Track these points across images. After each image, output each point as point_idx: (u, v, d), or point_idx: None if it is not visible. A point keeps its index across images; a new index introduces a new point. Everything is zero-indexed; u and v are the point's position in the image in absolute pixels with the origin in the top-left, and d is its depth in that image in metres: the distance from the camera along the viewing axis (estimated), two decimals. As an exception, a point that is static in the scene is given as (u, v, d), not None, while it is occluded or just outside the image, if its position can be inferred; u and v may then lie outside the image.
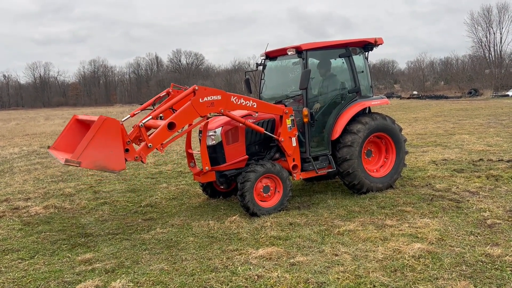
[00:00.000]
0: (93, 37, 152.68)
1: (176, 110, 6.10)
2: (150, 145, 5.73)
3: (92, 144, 5.25)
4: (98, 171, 5.51)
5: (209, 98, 6.15)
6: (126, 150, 5.59)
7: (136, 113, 7.17)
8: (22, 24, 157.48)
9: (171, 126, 5.86)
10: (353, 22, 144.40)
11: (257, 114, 7.06)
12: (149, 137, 5.78)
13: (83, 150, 5.20)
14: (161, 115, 6.52)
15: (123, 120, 5.97)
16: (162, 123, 5.89)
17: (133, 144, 5.83)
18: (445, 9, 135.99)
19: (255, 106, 6.62)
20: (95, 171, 10.93)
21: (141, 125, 5.84)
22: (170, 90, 7.53)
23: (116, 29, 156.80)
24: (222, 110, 6.26)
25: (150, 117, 6.06)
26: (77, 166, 5.22)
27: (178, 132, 6.12)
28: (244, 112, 6.94)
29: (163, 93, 7.63)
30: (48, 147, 6.17)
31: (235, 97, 6.43)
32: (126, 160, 5.56)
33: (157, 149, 5.84)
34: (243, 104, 6.49)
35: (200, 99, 6.09)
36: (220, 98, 6.25)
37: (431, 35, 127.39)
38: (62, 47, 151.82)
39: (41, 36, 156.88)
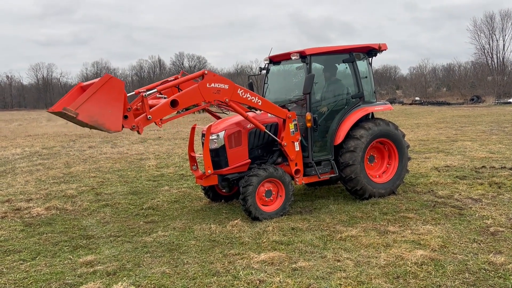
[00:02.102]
0: (95, 39, 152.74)
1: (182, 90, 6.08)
2: (149, 117, 5.68)
3: (93, 99, 5.16)
4: (93, 127, 5.33)
5: (216, 85, 6.15)
6: (125, 117, 5.50)
7: (141, 91, 7.14)
8: (25, 26, 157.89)
9: (174, 103, 5.86)
10: (355, 28, 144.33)
11: (259, 112, 7.04)
12: (150, 110, 5.74)
13: (83, 103, 5.10)
14: (164, 96, 6.50)
15: (128, 94, 5.84)
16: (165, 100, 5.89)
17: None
18: (446, 16, 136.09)
19: (260, 103, 6.58)
20: (97, 173, 10.93)
21: (145, 95, 5.78)
22: (179, 77, 7.52)
23: (118, 32, 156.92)
24: (227, 100, 6.23)
25: (156, 89, 6.05)
26: (73, 117, 5.07)
27: (179, 111, 6.10)
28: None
29: (171, 78, 7.61)
30: (47, 109, 6.08)
31: (242, 90, 6.41)
32: (123, 126, 5.47)
33: (155, 123, 5.78)
34: (249, 98, 6.46)
35: (208, 84, 6.09)
36: (227, 87, 6.23)
37: (432, 41, 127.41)
38: (64, 49, 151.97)
39: (43, 38, 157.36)
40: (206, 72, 6.12)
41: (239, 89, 6.36)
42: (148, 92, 5.83)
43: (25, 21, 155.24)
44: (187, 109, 6.34)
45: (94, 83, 5.27)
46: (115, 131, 5.42)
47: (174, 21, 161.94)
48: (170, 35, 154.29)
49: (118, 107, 5.34)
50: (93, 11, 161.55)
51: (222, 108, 7.20)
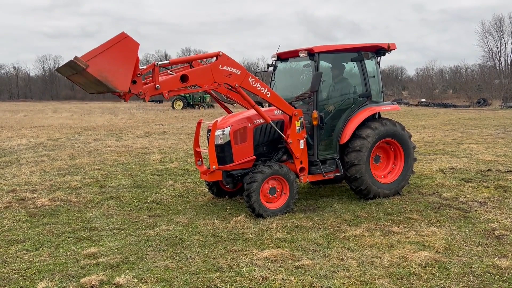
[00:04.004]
0: (102, 32, 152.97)
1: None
2: (158, 87, 5.65)
3: (106, 54, 5.08)
4: (99, 86, 5.19)
5: (228, 68, 6.14)
6: (134, 82, 5.44)
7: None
8: (33, 17, 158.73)
9: (184, 78, 5.86)
10: (362, 28, 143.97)
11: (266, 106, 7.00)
12: (160, 80, 5.72)
13: (95, 56, 5.02)
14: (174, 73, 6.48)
15: (140, 68, 5.77)
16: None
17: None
18: (455, 18, 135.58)
19: (268, 95, 6.54)
20: (101, 166, 10.95)
21: (157, 64, 5.76)
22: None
23: (125, 25, 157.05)
24: (236, 85, 6.21)
25: (168, 61, 6.05)
26: (83, 68, 4.95)
27: (187, 87, 6.10)
28: (254, 112, 6.88)
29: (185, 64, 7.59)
30: (56, 68, 6.03)
31: (253, 79, 6.39)
32: (130, 90, 5.40)
33: (162, 94, 5.78)
34: (258, 88, 6.44)
35: (220, 65, 6.09)
36: (239, 73, 6.22)
37: (440, 43, 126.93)
38: (71, 41, 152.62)
39: (51, 30, 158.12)
40: (221, 53, 6.10)
41: (250, 77, 6.34)
42: (161, 62, 5.84)
43: (33, 13, 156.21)
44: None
45: (110, 39, 5.19)
46: (122, 91, 5.31)
47: (182, 16, 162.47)
48: (177, 30, 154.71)
49: (129, 67, 5.26)
50: (100, 4, 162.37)
51: (229, 98, 7.17)
